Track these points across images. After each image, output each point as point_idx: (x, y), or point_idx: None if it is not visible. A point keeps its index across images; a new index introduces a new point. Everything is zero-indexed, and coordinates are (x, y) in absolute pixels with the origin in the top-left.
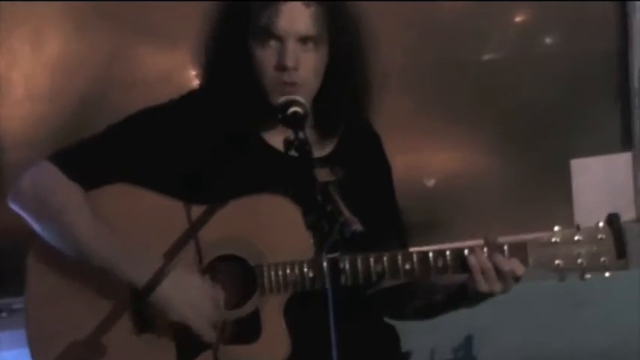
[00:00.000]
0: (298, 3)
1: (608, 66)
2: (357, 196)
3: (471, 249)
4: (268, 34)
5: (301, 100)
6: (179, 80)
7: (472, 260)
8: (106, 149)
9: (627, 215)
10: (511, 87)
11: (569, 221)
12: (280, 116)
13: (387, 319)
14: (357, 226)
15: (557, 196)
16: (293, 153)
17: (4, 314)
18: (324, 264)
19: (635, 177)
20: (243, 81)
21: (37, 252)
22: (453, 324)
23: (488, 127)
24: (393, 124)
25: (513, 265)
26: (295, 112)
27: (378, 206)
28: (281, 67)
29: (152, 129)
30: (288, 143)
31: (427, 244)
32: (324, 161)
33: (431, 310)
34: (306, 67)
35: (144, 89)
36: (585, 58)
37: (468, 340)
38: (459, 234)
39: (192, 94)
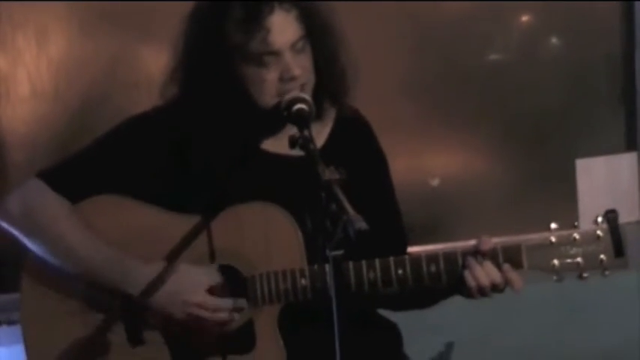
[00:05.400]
0: (281, 12)
1: (613, 67)
2: (353, 191)
3: (468, 265)
4: (265, 54)
5: (306, 97)
6: None
7: (470, 282)
8: (92, 161)
9: (632, 216)
10: (516, 88)
11: (573, 221)
12: (285, 114)
13: (383, 310)
14: (362, 224)
15: (561, 196)
16: (297, 151)
17: (4, 326)
18: (327, 266)
19: None
20: (231, 98)
21: (29, 267)
22: (446, 329)
23: (492, 129)
24: (397, 126)
25: (510, 277)
26: (301, 109)
27: (376, 200)
28: (290, 79)
29: (137, 138)
30: (292, 141)
31: (430, 244)
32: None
33: (428, 299)
34: (304, 68)
35: (147, 90)
36: (590, 59)
37: (448, 347)
38: (463, 235)
39: (177, 101)
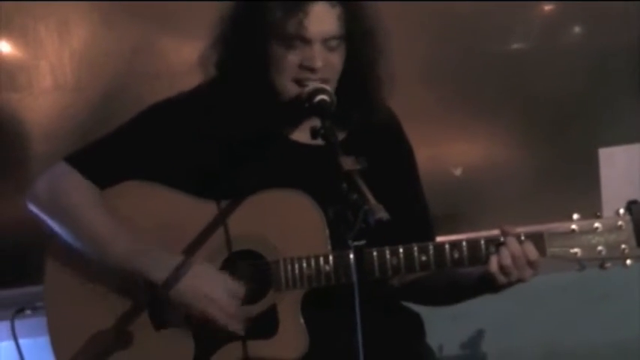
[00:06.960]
0: (325, 4)
1: (634, 56)
2: (377, 181)
3: (493, 253)
4: (296, 38)
5: (328, 89)
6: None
7: (494, 265)
8: (119, 146)
9: None
10: (537, 78)
11: (596, 210)
12: (307, 104)
13: (410, 305)
14: (383, 214)
15: (583, 185)
16: (319, 141)
17: (28, 312)
18: (350, 252)
19: None
20: (256, 78)
21: (53, 254)
22: (470, 317)
23: (514, 118)
24: (419, 115)
25: (527, 248)
26: (322, 100)
27: (400, 190)
28: (310, 69)
29: (163, 124)
30: (314, 131)
31: (453, 234)
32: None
33: (455, 297)
34: (330, 65)
35: (167, 81)
36: (612, 48)
37: (479, 335)
38: (486, 224)
39: (202, 89)
